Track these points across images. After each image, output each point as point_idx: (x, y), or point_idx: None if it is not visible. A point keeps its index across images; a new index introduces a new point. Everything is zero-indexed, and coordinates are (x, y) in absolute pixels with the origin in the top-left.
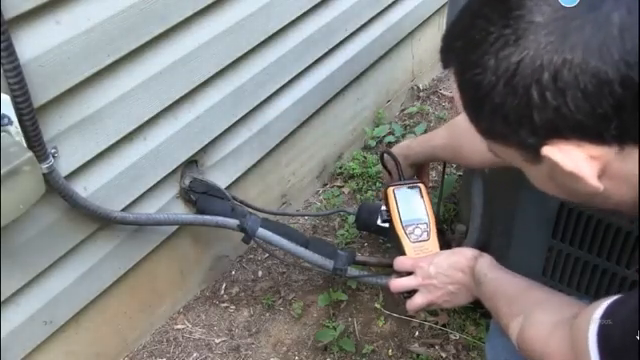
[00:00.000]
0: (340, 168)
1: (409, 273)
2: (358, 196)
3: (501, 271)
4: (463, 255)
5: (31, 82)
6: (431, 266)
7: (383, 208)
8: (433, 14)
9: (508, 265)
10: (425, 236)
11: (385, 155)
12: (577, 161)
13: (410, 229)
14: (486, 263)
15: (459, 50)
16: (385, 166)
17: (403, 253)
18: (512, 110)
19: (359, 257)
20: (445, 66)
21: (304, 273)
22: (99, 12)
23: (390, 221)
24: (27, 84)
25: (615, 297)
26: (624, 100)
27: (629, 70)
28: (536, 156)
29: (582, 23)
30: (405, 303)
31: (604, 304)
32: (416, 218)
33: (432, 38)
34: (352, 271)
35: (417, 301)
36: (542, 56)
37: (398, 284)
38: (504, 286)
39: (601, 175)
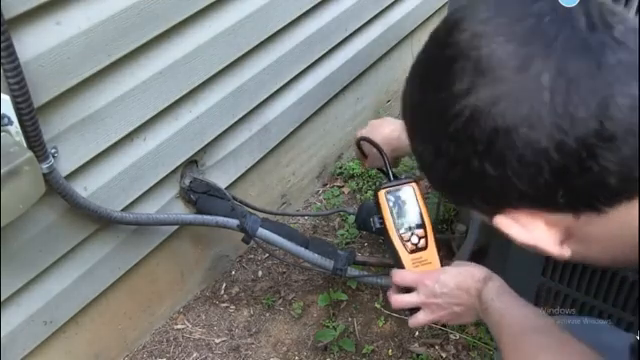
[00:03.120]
0: (340, 168)
1: (408, 288)
2: (358, 196)
3: (509, 299)
4: (471, 276)
5: (31, 82)
6: (436, 284)
7: (376, 216)
8: (433, 14)
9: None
10: (422, 243)
11: (362, 143)
12: (533, 231)
13: (406, 237)
14: (494, 288)
15: (407, 124)
16: (362, 151)
17: (400, 264)
18: (458, 181)
19: (359, 257)
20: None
21: (304, 273)
22: (99, 12)
23: (384, 228)
24: (27, 84)
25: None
26: (566, 167)
27: (563, 135)
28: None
29: (510, 88)
30: (407, 318)
31: None
32: (412, 224)
33: None
34: (352, 271)
35: (420, 320)
36: (473, 127)
37: (400, 301)
38: (510, 320)
39: (566, 239)
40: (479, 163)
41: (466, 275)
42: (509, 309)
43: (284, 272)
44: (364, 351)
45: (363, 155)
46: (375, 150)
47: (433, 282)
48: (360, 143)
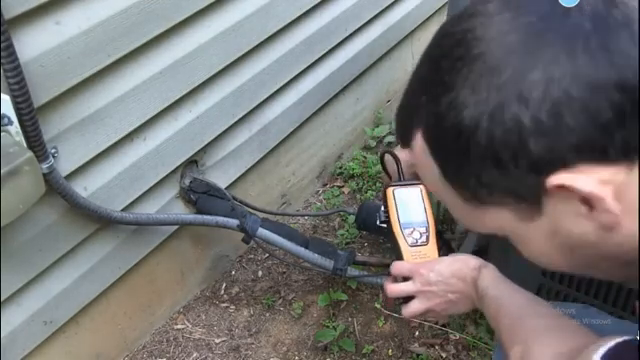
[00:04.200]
0: (340, 168)
1: (406, 278)
2: (358, 196)
3: (504, 287)
4: (466, 264)
5: (31, 82)
6: (431, 273)
7: (382, 209)
8: (433, 14)
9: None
10: (424, 239)
11: (386, 156)
12: (591, 185)
13: (408, 231)
14: (489, 276)
15: (426, 103)
16: (385, 168)
17: (400, 256)
18: (503, 147)
19: (359, 257)
20: (405, 141)
21: (304, 273)
22: (99, 12)
23: (388, 222)
24: (27, 84)
25: (617, 340)
26: (624, 106)
27: (620, 73)
28: (535, 206)
29: (553, 37)
30: (401, 308)
31: (605, 347)
32: (415, 221)
33: None
34: (352, 271)
35: (414, 308)
36: (524, 79)
37: (395, 289)
38: (506, 307)
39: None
40: (532, 115)
41: (461, 264)
42: (505, 296)
43: (284, 272)
44: (364, 351)
45: (387, 172)
46: (396, 167)
47: (428, 271)
48: (384, 158)
